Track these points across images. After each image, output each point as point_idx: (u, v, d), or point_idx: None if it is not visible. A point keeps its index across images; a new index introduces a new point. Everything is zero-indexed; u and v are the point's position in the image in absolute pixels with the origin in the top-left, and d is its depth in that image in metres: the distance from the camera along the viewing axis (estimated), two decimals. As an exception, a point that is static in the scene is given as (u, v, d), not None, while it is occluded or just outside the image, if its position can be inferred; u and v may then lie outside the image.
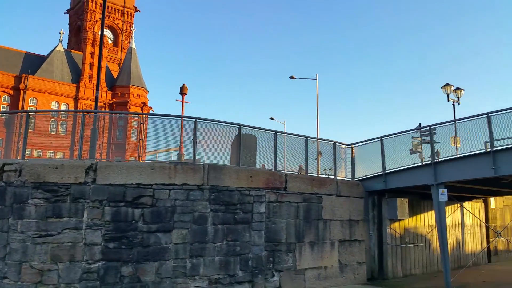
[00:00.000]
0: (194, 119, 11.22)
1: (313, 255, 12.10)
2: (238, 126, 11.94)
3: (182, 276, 9.85)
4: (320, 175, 14.05)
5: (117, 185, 9.80)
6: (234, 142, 12.06)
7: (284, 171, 12.75)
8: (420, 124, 13.74)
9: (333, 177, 13.98)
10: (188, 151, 11.52)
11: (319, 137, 19.19)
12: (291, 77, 29.15)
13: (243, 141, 12.00)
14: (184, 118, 11.86)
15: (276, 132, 12.95)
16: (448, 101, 20.57)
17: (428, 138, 13.07)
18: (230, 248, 10.52)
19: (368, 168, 14.77)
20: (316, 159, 14.45)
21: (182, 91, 16.99)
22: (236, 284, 10.40)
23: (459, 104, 20.74)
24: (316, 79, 28.56)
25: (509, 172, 11.06)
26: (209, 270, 10.13)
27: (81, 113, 14.31)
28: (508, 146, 11.02)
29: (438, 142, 12.92)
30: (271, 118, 39.11)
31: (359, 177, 14.73)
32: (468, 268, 16.38)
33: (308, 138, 13.75)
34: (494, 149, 11.10)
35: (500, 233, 18.29)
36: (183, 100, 16.89)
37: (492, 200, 19.33)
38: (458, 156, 12.10)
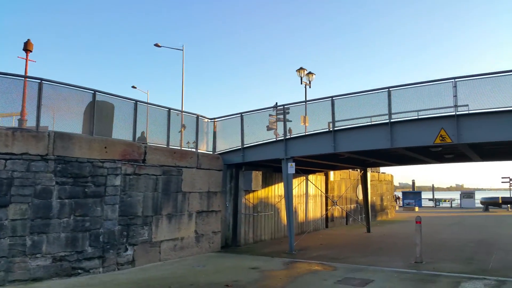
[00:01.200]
0: (40, 80, 9.90)
1: (170, 227, 12.12)
2: (93, 92, 10.98)
3: (21, 254, 8.83)
4: (183, 148, 14.01)
5: None
6: (87, 110, 11.07)
7: (145, 142, 12.32)
8: (276, 103, 14.73)
9: (195, 150, 14.10)
10: (33, 117, 10.17)
11: (183, 109, 19.05)
12: (156, 45, 27.92)
13: (98, 109, 11.11)
14: (27, 79, 10.35)
15: (136, 101, 12.34)
16: (301, 83, 22.43)
17: (282, 116, 14.13)
18: (78, 223, 9.78)
19: (228, 142, 15.31)
20: (179, 131, 14.33)
21: (26, 48, 14.65)
22: (85, 260, 9.79)
23: (310, 87, 22.81)
24: (182, 49, 27.99)
25: (345, 149, 12.72)
26: (53, 248, 9.28)
27: None
28: (346, 127, 12.63)
29: (291, 121, 14.09)
30: (133, 87, 36.04)
31: (220, 151, 15.18)
32: (309, 233, 18.57)
33: (172, 110, 13.50)
34: (335, 129, 12.60)
35: (336, 202, 21.13)
36: (27, 58, 14.60)
37: (331, 173, 22.11)
38: (306, 134, 13.40)
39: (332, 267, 10.65)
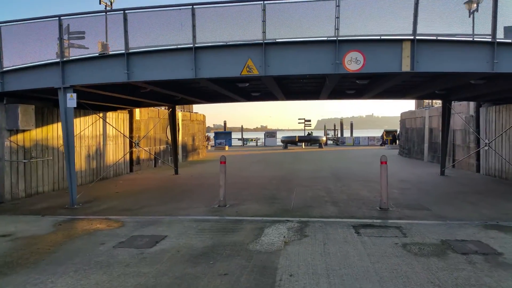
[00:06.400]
0: None
1: None
2: None
3: None
4: None
5: None
6: None
7: None
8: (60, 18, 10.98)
9: None
10: None
11: None
12: None
13: None
14: None
15: None
16: (100, 3, 18.76)
17: (76, 40, 10.65)
18: None
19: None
20: None
21: None
22: None
23: (111, 8, 19.20)
24: None
25: (143, 78, 10.38)
26: None
27: None
28: (143, 50, 10.21)
29: (87, 48, 10.75)
30: None
31: (-33, 75, 10.82)
32: (108, 179, 16.08)
33: None
34: (129, 51, 10.05)
35: (138, 144, 18.70)
36: None
37: (137, 111, 19.59)
38: (91, 56, 10.41)
39: (119, 222, 8.63)
